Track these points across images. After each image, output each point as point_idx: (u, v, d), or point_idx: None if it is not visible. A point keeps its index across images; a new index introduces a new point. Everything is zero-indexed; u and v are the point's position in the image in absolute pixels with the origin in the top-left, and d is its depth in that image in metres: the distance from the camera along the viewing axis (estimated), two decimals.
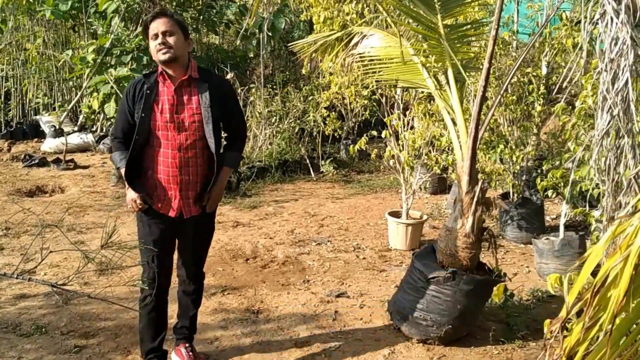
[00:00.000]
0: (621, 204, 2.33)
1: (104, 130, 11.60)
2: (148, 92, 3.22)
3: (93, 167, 9.94)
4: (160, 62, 3.18)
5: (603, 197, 2.50)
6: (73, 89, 12.62)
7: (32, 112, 12.69)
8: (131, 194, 3.32)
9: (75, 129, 11.77)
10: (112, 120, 10.75)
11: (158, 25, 3.15)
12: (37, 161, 9.73)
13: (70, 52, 11.16)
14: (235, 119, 3.50)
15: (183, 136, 3.23)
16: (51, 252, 1.82)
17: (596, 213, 3.16)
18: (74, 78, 11.98)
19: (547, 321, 1.48)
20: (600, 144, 2.38)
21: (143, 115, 3.20)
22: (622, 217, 1.33)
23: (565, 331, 1.39)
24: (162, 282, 3.42)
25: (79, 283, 4.83)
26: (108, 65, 10.24)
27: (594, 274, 1.48)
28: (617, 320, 1.42)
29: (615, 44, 2.32)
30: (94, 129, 11.83)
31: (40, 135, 12.01)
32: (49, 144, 10.98)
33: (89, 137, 11.27)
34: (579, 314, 1.54)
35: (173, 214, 3.33)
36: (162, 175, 3.28)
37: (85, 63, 10.43)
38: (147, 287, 3.35)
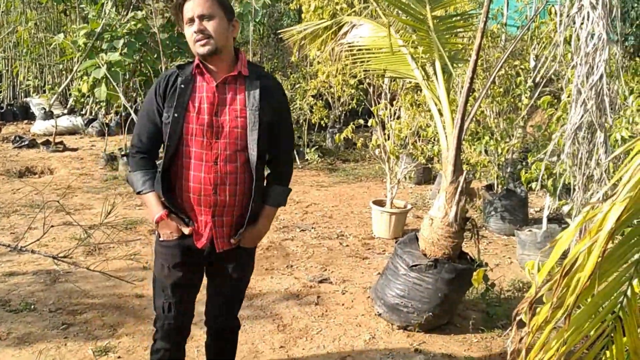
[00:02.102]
0: (593, 195, 2.39)
1: (93, 114, 11.67)
2: (182, 86, 2.54)
3: (82, 149, 9.95)
4: (198, 55, 2.52)
5: (573, 192, 2.56)
6: (63, 72, 12.66)
7: (22, 94, 12.75)
8: (156, 211, 2.62)
9: (65, 111, 11.81)
10: (101, 104, 10.80)
11: (193, 6, 2.45)
12: (26, 143, 9.78)
13: (61, 35, 11.14)
14: (284, 134, 2.74)
15: (222, 145, 2.53)
16: (52, 226, 1.85)
17: (565, 208, 3.22)
18: (65, 61, 12.00)
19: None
20: (572, 137, 2.43)
21: (176, 115, 2.52)
22: (593, 203, 1.38)
23: (534, 310, 1.45)
24: (179, 334, 2.92)
25: (67, 263, 4.88)
26: (99, 49, 10.21)
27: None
28: (584, 303, 1.49)
29: (591, 39, 2.37)
30: (83, 112, 11.87)
31: (30, 117, 12.06)
32: (39, 126, 11.04)
33: (78, 120, 11.30)
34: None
35: (201, 245, 2.65)
36: (192, 194, 2.58)
37: (76, 47, 10.40)
38: (159, 338, 2.89)
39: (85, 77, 10.45)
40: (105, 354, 3.61)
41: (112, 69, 9.83)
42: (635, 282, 1.49)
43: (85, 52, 10.12)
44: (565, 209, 3.36)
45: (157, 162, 2.74)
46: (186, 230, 2.62)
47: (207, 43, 2.45)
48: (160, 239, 2.69)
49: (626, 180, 1.33)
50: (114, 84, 9.63)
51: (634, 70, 4.10)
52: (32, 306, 4.16)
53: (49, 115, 11.19)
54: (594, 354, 1.58)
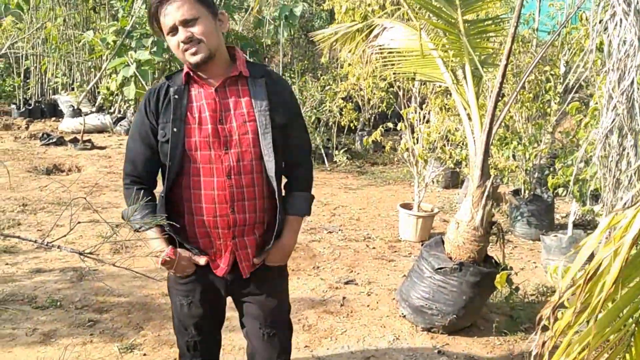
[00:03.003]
0: (622, 199, 2.40)
1: (122, 112, 11.67)
2: (176, 97, 2.24)
3: (110, 148, 10.01)
4: (190, 65, 2.22)
5: (604, 192, 2.57)
6: (92, 69, 12.68)
7: (50, 91, 12.72)
8: (159, 249, 2.30)
9: (93, 109, 11.83)
10: (130, 102, 10.86)
11: (172, 13, 2.12)
12: (54, 140, 9.77)
13: (90, 32, 11.24)
14: (299, 134, 2.47)
15: (233, 155, 2.23)
16: (79, 222, 1.86)
17: (596, 208, 3.23)
18: (94, 59, 12.04)
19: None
20: (603, 141, 2.45)
21: (175, 130, 2.21)
22: (618, 210, 1.40)
23: (557, 315, 1.48)
24: None
25: (94, 260, 4.94)
26: (128, 47, 10.29)
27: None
28: (606, 308, 1.51)
29: (623, 45, 2.38)
30: (111, 110, 11.88)
31: (58, 114, 12.04)
32: (67, 124, 11.04)
33: (107, 119, 11.31)
34: None
35: (222, 273, 2.35)
36: (205, 216, 2.26)
37: (105, 44, 10.50)
38: None
39: (114, 75, 10.53)
40: (130, 351, 3.65)
41: (142, 67, 9.90)
42: None
43: (115, 50, 10.21)
44: (596, 208, 3.37)
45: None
46: (201, 261, 2.32)
47: (199, 50, 2.15)
48: (174, 273, 2.39)
49: None
50: (143, 82, 9.68)
51: None
52: (58, 303, 4.22)
53: (77, 113, 11.20)
54: (614, 357, 1.60)
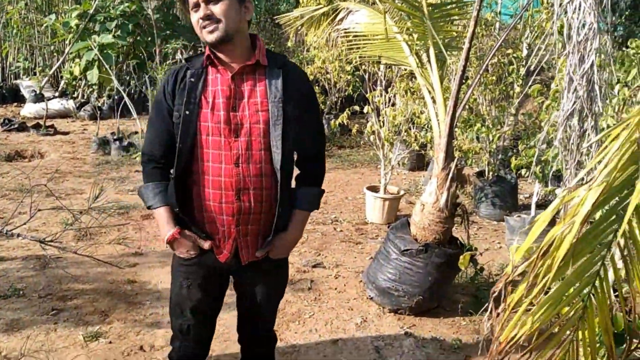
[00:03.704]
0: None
1: (85, 97, 11.49)
2: (193, 80, 2.27)
3: (73, 133, 9.85)
4: (207, 43, 2.24)
5: (565, 174, 2.63)
6: (55, 53, 12.48)
7: (12, 76, 12.49)
8: (166, 229, 2.37)
9: (56, 94, 11.60)
10: (94, 87, 10.68)
11: None
12: (16, 126, 9.57)
13: (53, 16, 10.99)
14: (313, 128, 2.48)
15: (242, 143, 2.25)
16: (39, 210, 1.85)
17: (558, 191, 3.31)
18: (56, 43, 11.83)
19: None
20: (565, 123, 2.50)
21: (187, 112, 2.24)
22: (570, 188, 1.45)
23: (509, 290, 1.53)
24: (197, 355, 2.71)
25: (58, 248, 4.90)
26: (91, 31, 10.12)
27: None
28: (557, 284, 1.57)
29: (583, 28, 2.43)
30: (75, 95, 11.65)
31: (19, 99, 11.82)
32: (29, 109, 10.83)
33: (70, 103, 11.10)
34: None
35: (224, 259, 2.39)
36: (211, 201, 2.30)
37: (68, 28, 10.29)
38: (175, 358, 2.70)
39: (77, 60, 10.34)
40: (96, 339, 3.60)
41: (105, 51, 9.75)
42: (607, 262, 1.56)
43: (77, 34, 10.03)
44: (558, 192, 3.44)
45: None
46: (205, 245, 2.37)
47: (216, 29, 2.16)
48: (178, 254, 2.45)
49: (603, 166, 1.40)
50: (107, 66, 9.51)
51: (621, 60, 4.18)
52: (21, 292, 4.14)
53: (39, 98, 10.97)
54: (565, 330, 1.66)
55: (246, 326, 2.71)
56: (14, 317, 3.80)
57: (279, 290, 2.66)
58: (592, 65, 2.34)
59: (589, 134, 2.41)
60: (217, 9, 2.15)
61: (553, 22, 2.64)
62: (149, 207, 2.40)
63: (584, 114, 2.41)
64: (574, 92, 2.38)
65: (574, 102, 2.38)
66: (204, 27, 2.18)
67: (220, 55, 2.27)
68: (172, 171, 2.35)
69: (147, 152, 2.43)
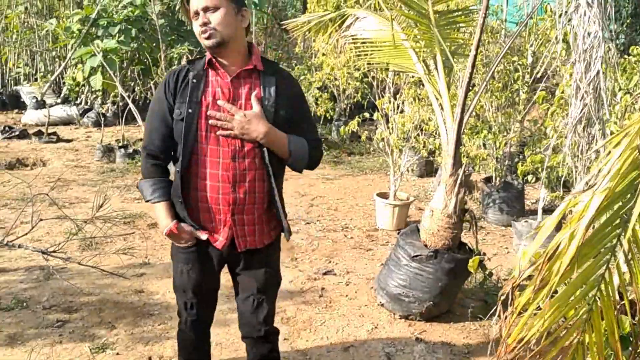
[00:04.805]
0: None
1: (89, 103, 11.35)
2: (195, 81, 2.48)
3: (77, 140, 9.73)
4: (206, 48, 2.45)
5: (576, 182, 2.67)
6: (56, 59, 12.29)
7: (12, 82, 12.29)
8: (165, 223, 2.56)
9: (59, 101, 11.46)
10: (97, 93, 10.49)
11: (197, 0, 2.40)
12: (17, 133, 9.43)
13: (54, 21, 10.89)
14: (304, 125, 2.67)
15: (238, 141, 2.47)
16: (42, 219, 1.87)
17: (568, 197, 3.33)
18: (58, 48, 11.68)
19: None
20: (573, 130, 2.54)
21: (190, 111, 2.45)
22: (574, 194, 1.49)
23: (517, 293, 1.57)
24: (202, 323, 2.89)
25: (58, 258, 4.85)
26: (94, 36, 10.01)
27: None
28: (563, 287, 1.60)
29: (588, 37, 2.47)
30: (78, 101, 11.51)
31: (20, 106, 11.66)
32: (30, 116, 10.68)
33: (73, 110, 10.97)
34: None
35: (221, 245, 2.59)
36: (209, 192, 2.52)
37: (69, 33, 10.16)
38: (183, 329, 2.87)
39: (80, 65, 10.15)
40: (102, 351, 3.54)
41: (108, 56, 9.60)
42: (612, 265, 1.60)
43: (80, 39, 9.95)
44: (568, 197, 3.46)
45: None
46: (203, 237, 2.56)
47: (212, 35, 2.37)
48: (177, 244, 2.65)
49: (606, 172, 1.44)
50: (111, 72, 9.39)
51: (623, 67, 4.22)
52: (24, 303, 4.05)
53: (41, 104, 10.81)
54: (571, 333, 1.69)
55: (247, 321, 2.81)
56: (17, 330, 3.72)
57: (274, 276, 2.79)
58: (598, 72, 2.38)
59: (596, 140, 2.45)
60: (213, 18, 2.37)
61: (558, 31, 2.67)
62: (147, 201, 2.60)
63: (592, 121, 2.45)
64: (581, 100, 2.42)
65: (582, 109, 2.42)
66: (202, 33, 2.39)
67: (221, 59, 2.49)
68: (177, 166, 2.53)
69: (147, 145, 2.60)
